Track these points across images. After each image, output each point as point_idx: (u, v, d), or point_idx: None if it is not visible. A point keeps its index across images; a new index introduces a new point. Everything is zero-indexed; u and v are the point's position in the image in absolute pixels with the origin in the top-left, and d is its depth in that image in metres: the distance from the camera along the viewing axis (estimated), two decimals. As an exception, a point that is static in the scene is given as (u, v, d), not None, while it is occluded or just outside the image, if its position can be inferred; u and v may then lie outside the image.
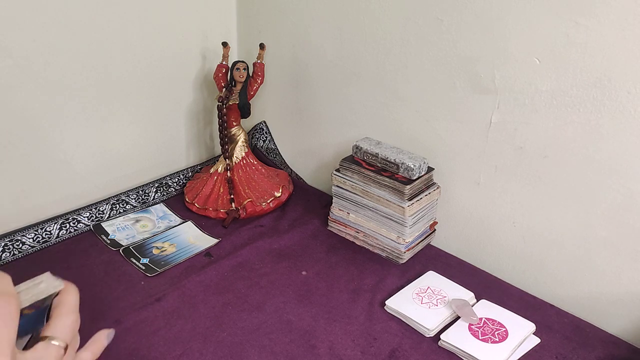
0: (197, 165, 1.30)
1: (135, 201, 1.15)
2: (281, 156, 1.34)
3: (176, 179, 1.24)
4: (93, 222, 1.07)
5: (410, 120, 1.03)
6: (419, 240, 1.01)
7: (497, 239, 0.98)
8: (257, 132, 1.36)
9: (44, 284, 0.43)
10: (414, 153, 1.00)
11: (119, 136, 1.13)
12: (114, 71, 1.07)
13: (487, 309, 0.87)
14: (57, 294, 0.44)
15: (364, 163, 1.01)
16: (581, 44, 0.77)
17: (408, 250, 0.98)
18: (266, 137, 1.35)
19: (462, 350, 0.78)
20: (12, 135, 0.96)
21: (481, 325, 0.83)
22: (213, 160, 1.31)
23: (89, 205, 1.09)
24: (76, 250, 1.00)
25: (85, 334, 0.78)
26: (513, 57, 0.85)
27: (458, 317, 0.85)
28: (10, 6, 0.89)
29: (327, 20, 1.09)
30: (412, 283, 0.93)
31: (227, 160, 1.15)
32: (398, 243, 0.97)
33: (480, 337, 0.80)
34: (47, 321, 0.42)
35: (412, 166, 0.94)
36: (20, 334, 0.37)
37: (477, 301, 0.89)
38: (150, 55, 1.13)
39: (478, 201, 0.98)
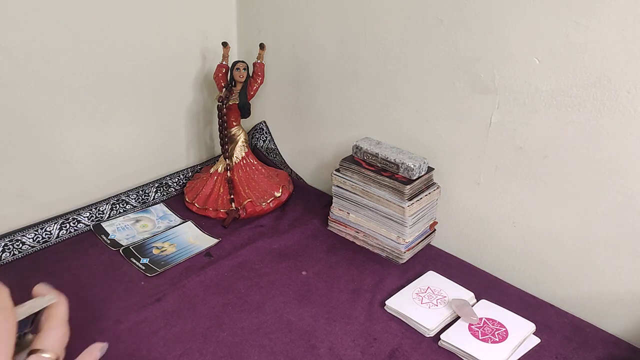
0: (197, 165, 1.30)
1: (135, 201, 1.15)
2: (281, 156, 1.34)
3: (176, 179, 1.24)
4: (93, 222, 1.07)
5: (410, 120, 1.03)
6: (419, 240, 1.01)
7: (497, 239, 0.98)
8: (257, 132, 1.36)
9: (40, 297, 0.43)
10: (414, 153, 1.00)
11: (119, 136, 1.13)
12: (114, 71, 1.07)
13: (487, 309, 0.87)
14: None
15: (364, 163, 1.01)
16: (581, 44, 0.77)
17: (408, 250, 0.98)
18: (266, 137, 1.35)
19: (462, 351, 0.78)
20: (12, 135, 0.96)
21: (481, 325, 0.83)
22: (213, 160, 1.31)
23: (89, 205, 1.09)
24: (76, 250, 1.00)
25: (86, 333, 0.78)
26: (513, 57, 0.85)
27: (458, 317, 0.85)
28: (10, 6, 0.89)
29: (327, 20, 1.09)
30: (412, 283, 0.93)
31: (227, 160, 1.15)
32: (398, 243, 0.97)
33: (480, 337, 0.80)
34: (32, 324, 0.42)
35: (412, 166, 0.94)
36: None
37: (477, 301, 0.89)
38: (150, 55, 1.13)
39: (478, 201, 0.98)
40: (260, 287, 0.92)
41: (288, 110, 1.27)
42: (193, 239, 1.05)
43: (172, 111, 1.23)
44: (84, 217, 1.07)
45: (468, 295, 0.90)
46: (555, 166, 0.86)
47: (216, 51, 1.19)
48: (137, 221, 1.10)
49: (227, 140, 1.15)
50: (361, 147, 1.01)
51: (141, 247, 1.01)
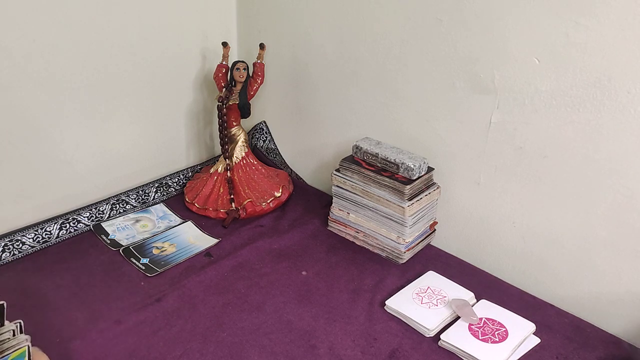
0: (197, 165, 1.30)
1: (135, 201, 1.15)
2: (281, 156, 1.34)
3: (176, 179, 1.24)
4: (93, 222, 1.07)
5: (410, 120, 1.03)
6: (419, 240, 1.01)
7: (497, 239, 0.98)
8: (257, 132, 1.36)
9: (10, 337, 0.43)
10: (414, 153, 1.00)
11: (119, 136, 1.13)
12: (114, 71, 1.07)
13: (487, 309, 0.87)
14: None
15: (364, 163, 1.01)
16: (581, 44, 0.77)
17: (408, 250, 0.98)
18: (266, 137, 1.35)
19: (462, 350, 0.78)
20: (12, 135, 0.96)
21: (481, 325, 0.83)
22: (213, 160, 1.31)
23: (89, 205, 1.09)
24: (76, 250, 1.00)
25: (86, 333, 0.78)
26: (513, 57, 0.85)
27: (458, 317, 0.85)
28: (10, 6, 0.89)
29: (327, 20, 1.09)
30: (412, 283, 0.93)
31: (227, 160, 1.15)
32: (398, 243, 0.97)
33: (480, 337, 0.80)
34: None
35: (412, 166, 0.94)
36: None
37: (477, 301, 0.89)
38: (150, 55, 1.13)
39: (478, 201, 0.98)
40: (260, 287, 0.92)
41: (288, 110, 1.27)
42: (193, 239, 1.05)
43: (172, 111, 1.23)
44: (84, 217, 1.07)
45: (468, 295, 0.90)
46: (555, 166, 0.86)
47: (216, 51, 1.19)
48: (137, 221, 1.10)
49: (227, 140, 1.15)
50: (361, 147, 1.01)
51: (141, 247, 1.01)
